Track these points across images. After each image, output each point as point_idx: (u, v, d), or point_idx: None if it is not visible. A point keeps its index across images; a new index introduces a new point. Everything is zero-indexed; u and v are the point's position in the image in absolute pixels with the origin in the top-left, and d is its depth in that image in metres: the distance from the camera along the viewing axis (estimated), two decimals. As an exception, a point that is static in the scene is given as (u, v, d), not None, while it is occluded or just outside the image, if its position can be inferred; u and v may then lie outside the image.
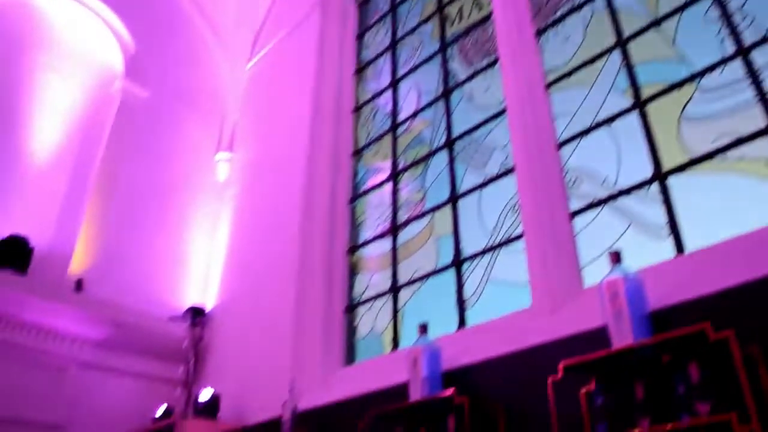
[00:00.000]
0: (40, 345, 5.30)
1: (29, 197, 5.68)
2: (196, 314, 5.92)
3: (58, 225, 5.73)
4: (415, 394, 3.42)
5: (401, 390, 3.60)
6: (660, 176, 3.39)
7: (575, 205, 3.74)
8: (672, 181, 3.35)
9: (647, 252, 3.28)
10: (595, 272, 3.44)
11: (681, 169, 3.33)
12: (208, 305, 6.12)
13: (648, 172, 3.45)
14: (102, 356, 5.55)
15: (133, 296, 5.83)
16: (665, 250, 3.23)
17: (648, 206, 3.41)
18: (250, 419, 4.79)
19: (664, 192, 3.34)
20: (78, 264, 5.75)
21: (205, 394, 4.99)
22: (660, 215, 3.33)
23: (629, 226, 3.48)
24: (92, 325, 5.49)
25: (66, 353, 5.40)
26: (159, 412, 5.27)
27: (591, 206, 3.67)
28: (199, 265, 6.45)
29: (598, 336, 2.93)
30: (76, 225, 5.82)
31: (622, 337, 2.74)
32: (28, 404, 5.09)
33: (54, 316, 5.32)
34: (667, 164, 3.40)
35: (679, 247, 3.18)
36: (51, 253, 5.58)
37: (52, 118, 6.10)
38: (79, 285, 5.59)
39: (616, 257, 2.91)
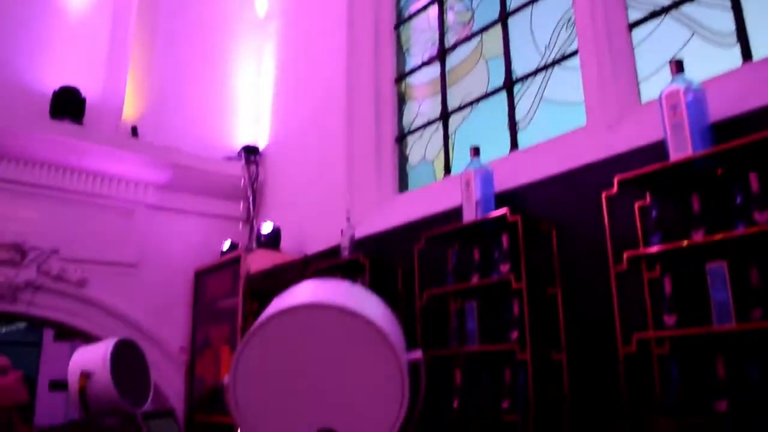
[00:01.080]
0: (106, 191, 5.57)
1: (74, 49, 5.68)
2: (250, 152, 6.05)
3: (106, 74, 5.77)
4: (469, 215, 3.49)
5: (455, 213, 3.67)
6: (730, -24, 3.11)
7: (634, 15, 3.51)
8: (743, -18, 3.07)
9: (711, 63, 3.10)
10: (655, 87, 3.29)
11: (754, -34, 3.04)
12: (261, 144, 6.21)
13: (716, -28, 3.16)
14: (165, 198, 5.79)
15: (188, 139, 5.94)
16: (730, 59, 3.05)
17: (714, 13, 3.17)
18: (310, 248, 5.02)
19: (734, -6, 3.09)
20: (130, 112, 5.85)
21: (266, 227, 5.22)
22: (727, 22, 3.09)
23: (693, 35, 3.27)
24: (152, 168, 5.68)
25: (131, 197, 5.67)
26: (225, 247, 5.57)
27: (652, 15, 3.43)
28: (249, 105, 6.47)
29: (656, 151, 2.86)
30: (122, 73, 5.85)
31: (681, 150, 2.68)
32: (103, 246, 5.45)
33: (114, 162, 5.52)
34: (738, -39, 3.10)
35: (746, 54, 2.99)
36: (103, 102, 5.67)
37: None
38: (134, 131, 5.72)
39: (677, 66, 2.76)
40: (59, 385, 9.54)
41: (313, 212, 5.19)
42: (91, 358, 2.32)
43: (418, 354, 1.11)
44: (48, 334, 10.69)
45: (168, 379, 5.56)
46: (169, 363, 5.61)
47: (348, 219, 4.33)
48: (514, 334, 3.17)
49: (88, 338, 5.28)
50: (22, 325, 11.70)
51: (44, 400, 9.68)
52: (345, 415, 1.08)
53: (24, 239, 5.11)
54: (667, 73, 2.83)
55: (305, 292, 1.17)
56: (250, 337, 1.11)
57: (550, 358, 3.13)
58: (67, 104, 5.35)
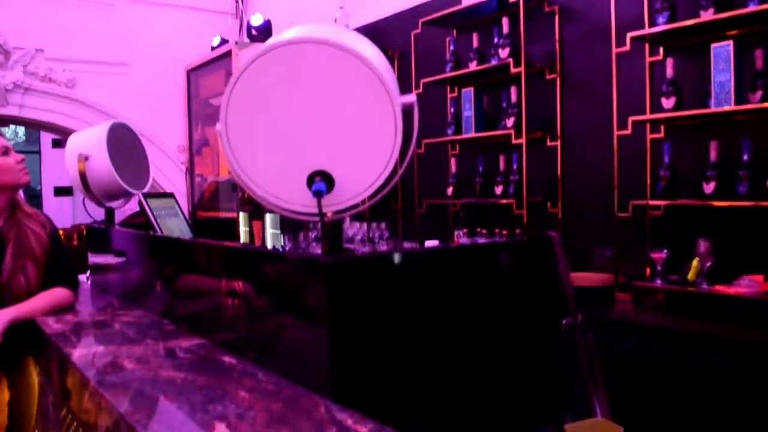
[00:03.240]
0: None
1: None
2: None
3: None
4: (469, -1, 3.32)
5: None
6: None
7: None
8: None
9: None
10: None
11: None
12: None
13: None
14: (147, -9, 5.52)
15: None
16: None
17: None
18: (304, 43, 4.83)
19: None
20: None
21: (256, 20, 4.99)
22: None
23: None
24: (130, -44, 5.35)
25: (110, -10, 5.39)
26: (215, 42, 5.38)
27: None
28: None
29: None
30: None
31: None
32: (90, 45, 5.29)
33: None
34: None
35: None
36: None
37: None
38: None
39: None
40: (63, 190, 9.76)
41: (305, 4, 4.93)
42: (88, 141, 2.31)
43: (411, 97, 1.08)
44: (46, 142, 10.73)
45: (169, 178, 5.66)
46: (169, 162, 5.68)
47: (342, 7, 4.12)
48: (510, 121, 3.15)
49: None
50: (21, 138, 11.76)
51: (51, 206, 9.96)
52: (337, 157, 1.08)
53: (5, 39, 4.95)
54: None
55: (293, 31, 1.11)
56: (237, 79, 1.08)
57: (545, 144, 3.15)
58: None
